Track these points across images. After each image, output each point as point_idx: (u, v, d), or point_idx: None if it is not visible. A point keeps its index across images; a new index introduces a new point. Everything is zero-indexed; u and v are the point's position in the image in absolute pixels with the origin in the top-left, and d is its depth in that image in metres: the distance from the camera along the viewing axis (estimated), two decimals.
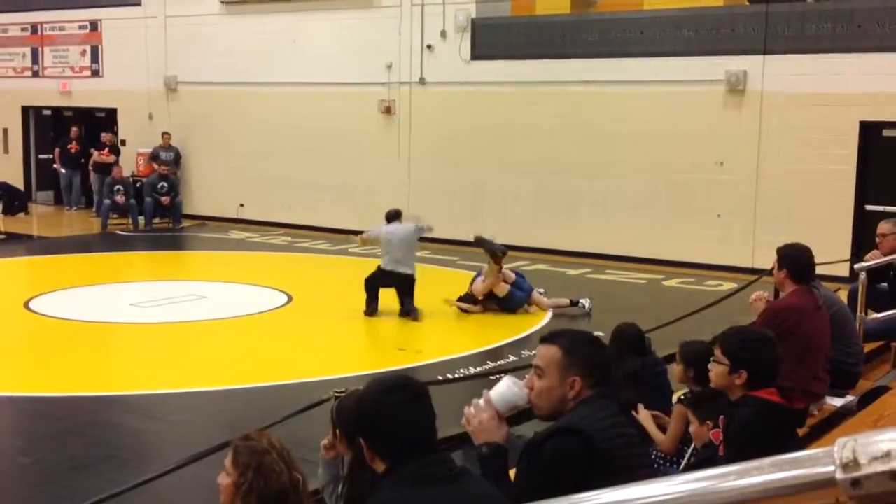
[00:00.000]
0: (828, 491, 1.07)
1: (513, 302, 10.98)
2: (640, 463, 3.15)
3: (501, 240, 11.47)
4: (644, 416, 5.21)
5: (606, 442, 2.96)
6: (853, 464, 1.04)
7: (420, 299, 10.97)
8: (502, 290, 10.92)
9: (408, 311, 10.57)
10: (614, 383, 3.32)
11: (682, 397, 5.10)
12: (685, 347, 5.21)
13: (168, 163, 19.06)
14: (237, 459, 3.04)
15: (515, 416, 3.52)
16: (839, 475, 1.05)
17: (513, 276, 11.18)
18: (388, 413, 2.72)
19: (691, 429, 4.77)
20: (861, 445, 1.05)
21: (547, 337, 3.22)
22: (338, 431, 3.80)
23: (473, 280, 11.22)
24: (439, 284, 12.08)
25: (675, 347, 5.32)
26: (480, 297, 11.00)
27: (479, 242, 11.15)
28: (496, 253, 10.87)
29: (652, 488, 1.23)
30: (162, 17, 19.64)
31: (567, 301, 11.21)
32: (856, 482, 1.04)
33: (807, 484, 1.09)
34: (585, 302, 11.13)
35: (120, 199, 18.23)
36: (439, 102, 16.51)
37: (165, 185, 18.47)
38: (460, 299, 11.10)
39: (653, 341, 6.08)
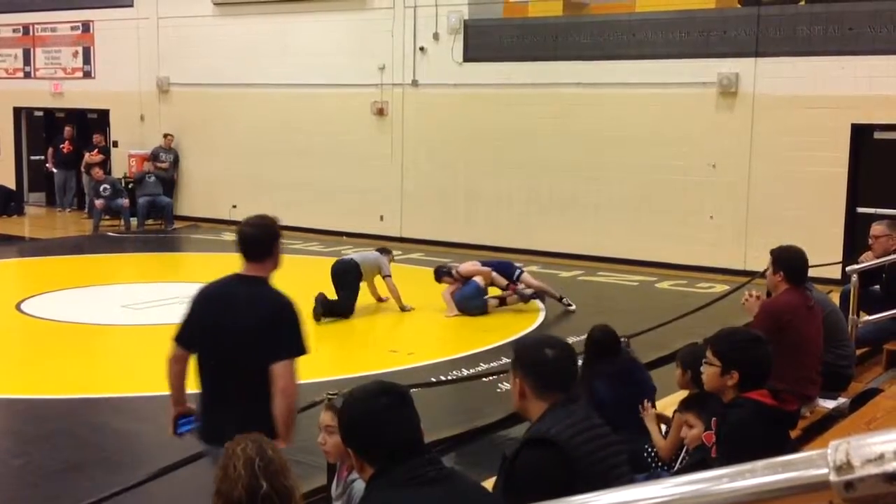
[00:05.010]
0: (821, 493, 1.07)
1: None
2: (615, 462, 3.25)
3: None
4: (650, 416, 5.24)
5: (578, 448, 3.10)
6: (847, 466, 1.04)
7: (412, 300, 11.26)
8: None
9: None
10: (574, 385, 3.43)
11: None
12: (683, 351, 5.25)
13: (167, 163, 19.10)
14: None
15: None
16: (833, 477, 1.05)
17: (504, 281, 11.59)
18: (371, 419, 2.74)
19: (686, 432, 4.76)
20: (854, 448, 1.05)
21: None
22: None
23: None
24: (431, 286, 12.05)
25: (667, 350, 5.34)
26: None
27: None
28: None
29: (645, 491, 1.22)
30: (154, 19, 19.60)
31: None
32: (849, 485, 1.04)
33: (800, 486, 1.09)
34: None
35: (99, 203, 18.06)
36: (432, 104, 16.50)
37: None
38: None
39: (644, 343, 6.08)
